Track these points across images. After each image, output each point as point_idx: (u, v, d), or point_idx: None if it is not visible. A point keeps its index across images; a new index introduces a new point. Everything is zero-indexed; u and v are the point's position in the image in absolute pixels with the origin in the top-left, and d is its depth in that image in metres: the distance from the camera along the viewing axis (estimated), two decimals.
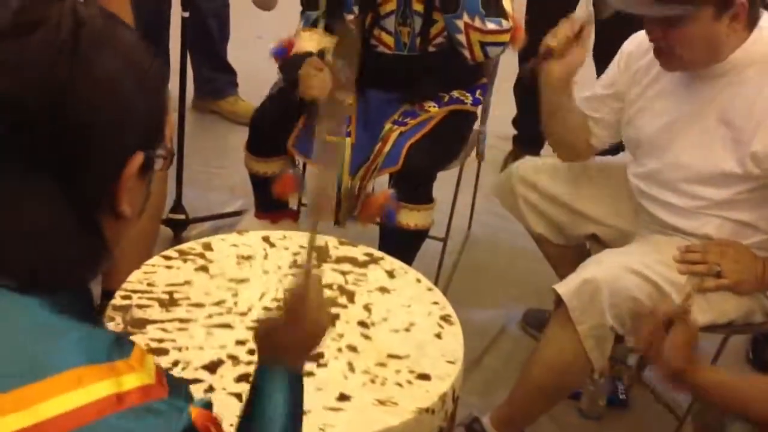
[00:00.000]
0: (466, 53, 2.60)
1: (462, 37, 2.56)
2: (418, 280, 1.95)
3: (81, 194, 0.93)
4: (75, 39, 0.91)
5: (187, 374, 1.59)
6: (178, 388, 0.91)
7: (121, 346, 0.89)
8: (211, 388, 1.57)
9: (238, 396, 1.55)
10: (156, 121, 1.01)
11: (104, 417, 0.82)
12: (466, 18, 2.52)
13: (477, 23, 2.52)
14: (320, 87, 2.49)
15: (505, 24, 2.55)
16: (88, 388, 0.83)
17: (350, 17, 2.69)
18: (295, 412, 1.19)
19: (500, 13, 2.54)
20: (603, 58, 2.89)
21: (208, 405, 0.93)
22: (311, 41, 2.66)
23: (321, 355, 1.67)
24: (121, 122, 0.94)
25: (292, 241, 2.04)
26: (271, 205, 2.86)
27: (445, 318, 1.82)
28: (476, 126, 2.97)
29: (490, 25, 2.53)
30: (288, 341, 1.23)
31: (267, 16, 3.33)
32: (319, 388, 1.59)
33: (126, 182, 0.96)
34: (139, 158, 0.96)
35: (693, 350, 1.77)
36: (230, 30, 4.01)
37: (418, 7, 2.64)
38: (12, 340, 0.86)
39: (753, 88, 2.08)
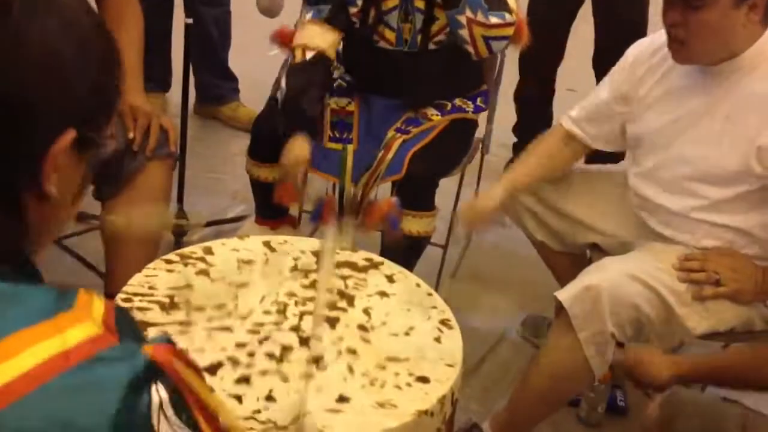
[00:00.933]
0: (470, 49, 2.59)
1: (465, 33, 2.55)
2: (418, 285, 1.95)
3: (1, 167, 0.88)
4: (7, 4, 0.87)
5: None
6: (128, 329, 0.85)
7: (64, 297, 0.83)
8: (211, 390, 1.57)
9: (238, 398, 1.55)
10: (99, 101, 0.95)
11: (53, 378, 0.78)
12: (468, 13, 2.51)
13: (480, 17, 2.51)
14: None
15: (509, 17, 2.53)
16: (31, 351, 0.78)
17: (353, 10, 2.70)
18: None
19: (503, 6, 2.53)
20: (602, 66, 2.91)
21: (166, 340, 0.86)
22: (319, 37, 2.66)
23: (321, 358, 1.68)
24: (53, 93, 0.89)
25: (292, 246, 2.04)
26: (272, 211, 2.88)
27: (444, 322, 1.82)
28: (482, 127, 2.98)
29: (493, 19, 2.52)
30: None
31: (270, 22, 3.34)
32: (318, 389, 1.59)
33: (53, 159, 0.90)
34: (70, 135, 0.90)
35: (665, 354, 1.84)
36: (232, 36, 4.03)
37: (420, 3, 2.63)
38: None
39: (761, 84, 2.08)
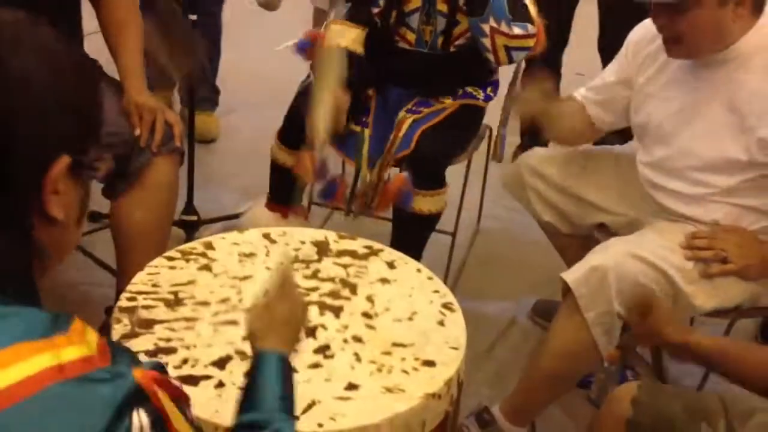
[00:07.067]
0: (491, 57, 2.61)
1: (487, 41, 2.57)
2: (419, 270, 1.96)
3: (3, 197, 0.93)
4: None
5: (197, 371, 1.61)
6: (122, 356, 0.90)
7: (59, 322, 0.88)
8: (221, 384, 1.58)
9: None
10: (84, 124, 1.00)
11: (47, 386, 0.82)
12: (492, 22, 2.53)
13: (503, 28, 2.53)
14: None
15: (531, 29, 2.55)
16: (28, 362, 0.82)
17: (375, 11, 2.72)
18: (289, 394, 1.25)
19: (526, 17, 2.54)
20: (608, 50, 2.90)
21: (156, 367, 0.91)
22: (342, 35, 2.67)
23: (327, 347, 1.69)
24: (40, 125, 0.93)
25: (292, 237, 2.06)
26: (284, 198, 2.86)
27: (447, 306, 1.84)
28: (495, 128, 3.00)
29: (516, 30, 2.54)
30: (276, 317, 1.33)
31: (289, 21, 3.35)
32: (327, 379, 1.61)
33: (51, 186, 0.95)
34: (64, 161, 0.95)
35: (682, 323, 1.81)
36: (221, 50, 4.00)
37: (442, 7, 2.66)
38: None
39: (759, 75, 2.08)
